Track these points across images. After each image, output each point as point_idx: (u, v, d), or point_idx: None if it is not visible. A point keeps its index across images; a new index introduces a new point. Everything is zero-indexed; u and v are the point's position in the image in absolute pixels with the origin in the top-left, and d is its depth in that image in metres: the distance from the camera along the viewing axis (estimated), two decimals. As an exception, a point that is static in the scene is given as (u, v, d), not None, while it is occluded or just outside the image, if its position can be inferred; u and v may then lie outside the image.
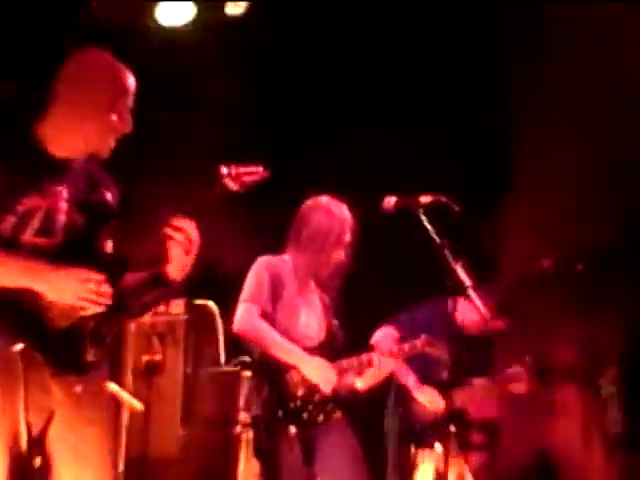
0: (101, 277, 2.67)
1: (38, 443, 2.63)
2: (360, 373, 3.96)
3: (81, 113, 2.75)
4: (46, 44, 4.93)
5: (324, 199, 4.05)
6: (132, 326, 5.18)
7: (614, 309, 5.14)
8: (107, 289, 2.68)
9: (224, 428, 4.89)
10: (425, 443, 4.51)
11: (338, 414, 3.93)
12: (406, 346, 4.08)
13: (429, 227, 3.55)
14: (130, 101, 2.81)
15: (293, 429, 3.76)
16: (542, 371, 4.70)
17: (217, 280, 5.73)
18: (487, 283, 4.39)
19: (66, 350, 2.66)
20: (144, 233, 2.96)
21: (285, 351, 3.84)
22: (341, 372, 3.90)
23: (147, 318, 5.30)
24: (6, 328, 2.58)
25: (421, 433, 4.56)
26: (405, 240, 4.16)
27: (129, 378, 5.12)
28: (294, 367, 3.84)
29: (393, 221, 3.74)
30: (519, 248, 5.38)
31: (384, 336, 4.70)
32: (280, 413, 3.78)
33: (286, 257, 4.00)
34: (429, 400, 4.58)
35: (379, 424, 4.77)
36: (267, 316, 3.87)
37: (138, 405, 4.71)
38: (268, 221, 5.30)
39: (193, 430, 5.20)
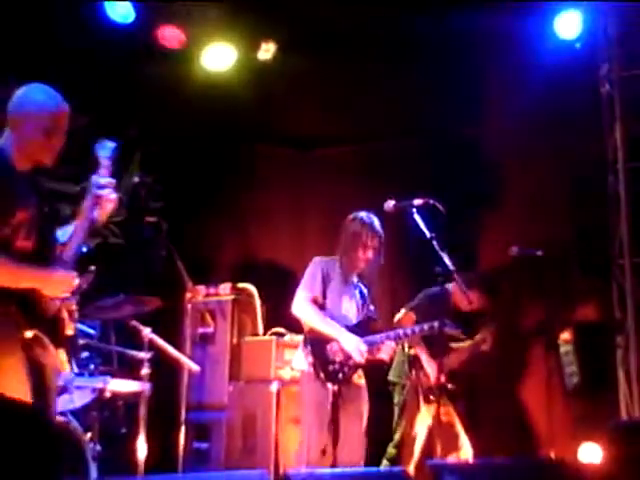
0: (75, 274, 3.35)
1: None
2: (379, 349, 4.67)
3: None
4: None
5: (361, 213, 4.77)
6: (189, 306, 6.11)
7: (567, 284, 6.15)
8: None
9: (261, 383, 5.94)
10: (428, 399, 5.35)
11: (362, 380, 4.71)
12: (425, 326, 4.74)
13: (421, 223, 4.36)
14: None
15: (330, 385, 4.56)
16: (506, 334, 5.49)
17: (256, 269, 6.88)
18: (467, 269, 5.18)
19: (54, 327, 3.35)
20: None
21: (328, 327, 4.60)
22: (371, 345, 4.63)
23: (201, 298, 6.35)
24: (15, 316, 3.23)
25: (426, 393, 5.36)
26: (402, 234, 4.83)
27: (188, 346, 6.03)
28: (334, 339, 4.61)
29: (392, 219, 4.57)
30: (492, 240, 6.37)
31: (405, 318, 5.37)
32: (322, 374, 4.59)
33: (336, 257, 4.78)
34: (433, 373, 5.30)
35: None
36: (317, 302, 4.65)
37: (195, 367, 5.51)
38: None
39: (238, 385, 6.16)
